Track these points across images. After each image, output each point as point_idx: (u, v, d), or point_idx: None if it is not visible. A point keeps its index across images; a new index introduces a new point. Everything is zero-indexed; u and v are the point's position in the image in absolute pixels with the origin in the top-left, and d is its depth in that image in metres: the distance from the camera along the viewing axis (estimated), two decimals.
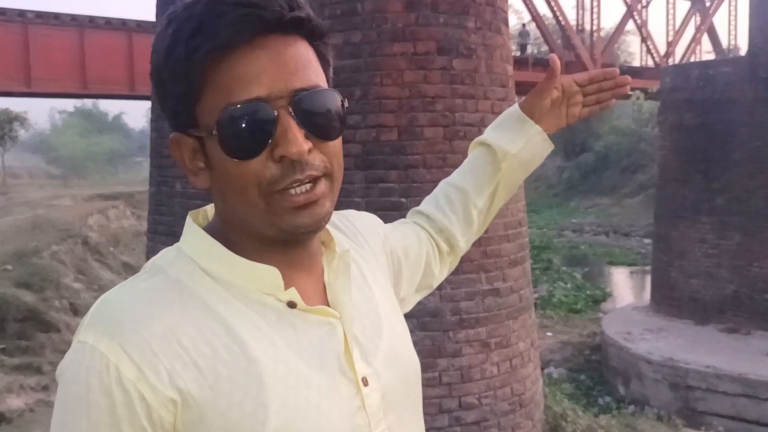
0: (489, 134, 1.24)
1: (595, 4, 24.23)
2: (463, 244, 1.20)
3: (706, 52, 31.19)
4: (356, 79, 4.70)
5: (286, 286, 0.79)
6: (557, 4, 21.07)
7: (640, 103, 26.11)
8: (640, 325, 11.34)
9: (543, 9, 22.20)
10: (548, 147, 1.23)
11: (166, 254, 0.84)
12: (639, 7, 26.74)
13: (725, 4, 30.39)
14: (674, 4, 29.09)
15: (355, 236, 0.98)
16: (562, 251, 21.66)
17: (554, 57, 1.21)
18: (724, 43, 31.17)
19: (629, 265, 19.76)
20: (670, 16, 28.91)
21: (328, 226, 0.86)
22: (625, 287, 17.61)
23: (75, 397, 0.72)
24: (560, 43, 23.12)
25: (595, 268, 19.46)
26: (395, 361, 0.88)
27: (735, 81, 11.17)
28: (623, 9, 25.04)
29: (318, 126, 0.77)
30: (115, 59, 14.48)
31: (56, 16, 14.21)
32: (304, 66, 0.77)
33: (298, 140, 0.74)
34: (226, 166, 0.76)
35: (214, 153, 0.77)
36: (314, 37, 0.79)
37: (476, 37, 4.81)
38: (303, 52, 0.77)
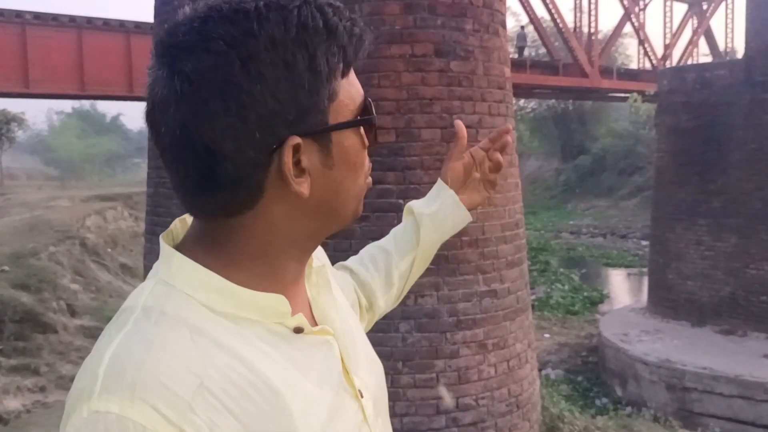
0: (414, 202, 1.29)
1: (592, 6, 24.28)
2: (382, 304, 1.21)
3: (703, 55, 31.26)
4: None
5: (290, 305, 0.77)
6: (555, 7, 21.11)
7: (637, 106, 26.14)
8: (637, 327, 11.36)
9: (541, 11, 22.24)
10: (462, 214, 1.25)
11: (153, 291, 0.75)
12: (636, 9, 26.81)
13: (722, 7, 30.48)
14: (671, 7, 29.18)
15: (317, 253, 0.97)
16: (560, 253, 21.67)
17: (459, 123, 1.21)
18: (721, 46, 31.25)
19: (626, 266, 19.79)
20: (668, 19, 28.99)
21: None
22: (622, 289, 17.63)
23: None
24: (558, 45, 23.17)
25: (592, 270, 19.48)
26: (371, 367, 0.91)
27: (732, 84, 11.20)
28: (621, 12, 25.11)
29: None
30: (113, 60, 14.47)
31: (54, 18, 14.20)
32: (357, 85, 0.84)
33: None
34: (355, 156, 0.80)
35: (346, 147, 0.78)
36: None
37: (474, 40, 4.83)
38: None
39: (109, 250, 14.58)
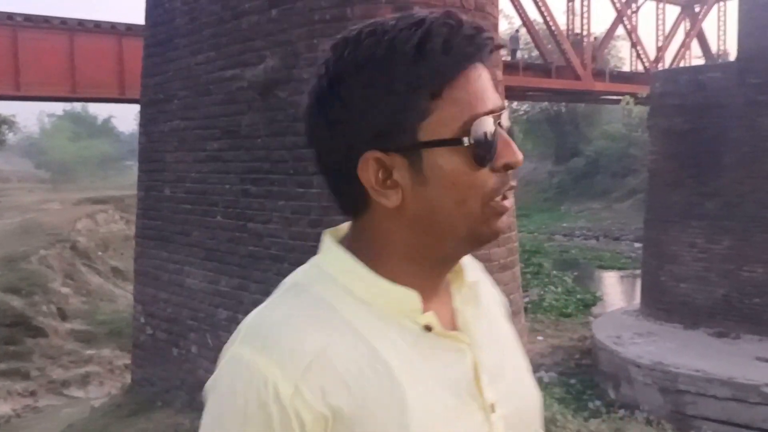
0: None
1: (585, 9, 24.34)
2: None
3: (695, 57, 31.35)
4: None
5: (424, 310, 0.82)
6: (548, 10, 21.15)
7: (630, 108, 26.20)
8: (630, 329, 11.36)
9: (534, 14, 22.27)
10: None
11: (307, 272, 0.86)
12: (629, 12, 26.88)
13: (714, 10, 30.60)
14: (664, 9, 29.27)
15: (482, 274, 0.99)
16: (553, 255, 21.69)
17: None
18: (714, 48, 31.37)
19: (619, 269, 19.82)
20: (660, 22, 29.08)
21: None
22: (616, 291, 17.66)
23: (231, 409, 0.76)
24: (550, 48, 23.21)
25: (586, 272, 19.50)
26: (518, 391, 0.90)
27: (725, 86, 11.23)
28: (613, 14, 25.17)
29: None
30: (105, 63, 14.40)
31: (46, 20, 14.13)
32: (495, 89, 0.83)
33: (517, 149, 0.81)
34: (455, 176, 0.79)
35: (440, 165, 0.79)
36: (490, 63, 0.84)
37: None
38: (491, 78, 0.83)
39: (101, 253, 14.50)
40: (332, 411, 0.74)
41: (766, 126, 10.69)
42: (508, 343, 0.94)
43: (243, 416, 0.75)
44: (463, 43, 0.78)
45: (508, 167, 0.80)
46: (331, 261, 0.85)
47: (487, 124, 0.79)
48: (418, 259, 0.83)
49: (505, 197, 0.81)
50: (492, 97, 0.80)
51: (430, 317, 0.81)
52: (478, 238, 0.83)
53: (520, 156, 0.81)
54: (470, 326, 0.86)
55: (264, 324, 0.80)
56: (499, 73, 5.13)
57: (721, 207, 11.19)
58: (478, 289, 0.90)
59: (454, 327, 0.85)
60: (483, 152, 0.79)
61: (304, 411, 0.74)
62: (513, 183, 0.82)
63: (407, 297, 0.81)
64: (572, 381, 10.54)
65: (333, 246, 0.86)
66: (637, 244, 19.16)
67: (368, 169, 0.79)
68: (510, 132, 0.82)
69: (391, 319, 0.80)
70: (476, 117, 0.78)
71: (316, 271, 0.85)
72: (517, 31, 25.34)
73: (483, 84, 0.80)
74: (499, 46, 0.85)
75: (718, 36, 31.67)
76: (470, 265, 0.95)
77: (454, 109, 0.78)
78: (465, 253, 0.87)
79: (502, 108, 0.81)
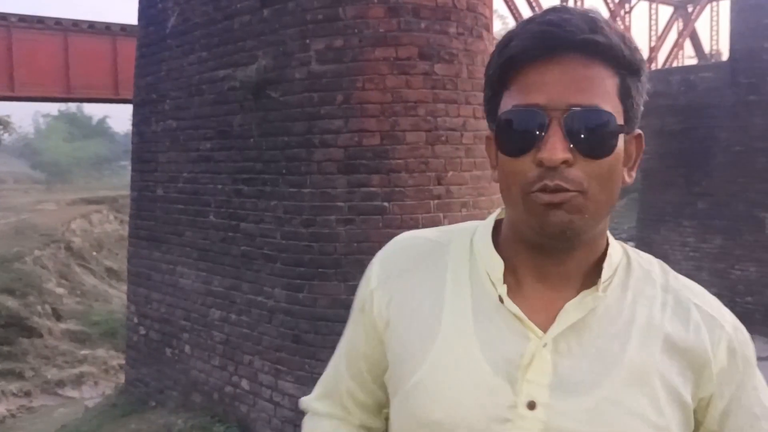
0: None
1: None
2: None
3: (688, 57, 31.41)
4: (338, 84, 4.71)
5: (524, 292, 0.86)
6: (541, 10, 21.20)
7: None
8: None
9: (527, 14, 22.31)
10: None
11: (467, 223, 0.99)
12: (622, 12, 26.96)
13: (707, 10, 30.70)
14: (657, 9, 29.32)
15: (669, 314, 0.87)
16: None
17: None
18: (707, 48, 31.46)
19: None
20: (653, 22, 29.15)
21: (627, 282, 0.87)
22: None
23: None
24: None
25: None
26: (593, 419, 0.80)
27: (716, 86, 11.28)
28: (606, 14, 25.24)
29: (583, 142, 0.79)
30: (100, 63, 14.36)
31: (40, 20, 14.08)
32: (590, 86, 0.80)
33: (555, 148, 0.78)
34: (502, 162, 0.85)
35: (497, 150, 0.85)
36: (621, 66, 0.82)
37: (458, 43, 4.84)
38: (596, 75, 0.80)
39: (95, 253, 14.49)
40: (388, 320, 0.92)
41: (757, 126, 10.74)
42: (631, 377, 0.82)
43: (356, 294, 0.99)
44: (528, 41, 0.80)
45: (540, 163, 0.79)
46: (483, 223, 0.95)
47: (512, 114, 0.81)
48: (514, 239, 0.88)
49: (545, 191, 0.79)
50: (549, 92, 0.79)
51: (502, 289, 0.85)
52: (531, 228, 0.82)
53: (549, 155, 0.78)
54: (563, 328, 0.83)
55: (398, 238, 1.00)
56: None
57: (713, 206, 11.24)
58: (590, 302, 0.84)
59: (550, 321, 0.84)
60: (503, 140, 0.83)
61: (375, 306, 0.94)
62: (548, 182, 0.79)
63: (495, 265, 0.87)
64: None
65: (493, 214, 0.96)
66: (630, 243, 19.16)
67: (486, 146, 0.91)
68: (577, 131, 0.79)
69: (480, 280, 0.89)
70: (513, 107, 0.81)
71: (471, 226, 0.97)
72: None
73: (544, 79, 0.80)
74: (589, 39, 0.79)
75: (711, 36, 31.76)
76: (646, 297, 0.87)
77: (508, 99, 0.83)
78: (541, 243, 0.84)
79: (557, 104, 0.79)
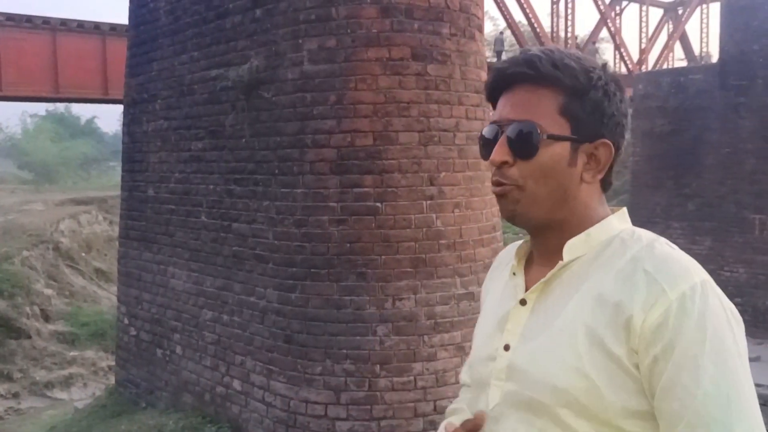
0: None
1: (569, 11, 24.49)
2: None
3: (678, 60, 31.62)
4: (331, 84, 4.71)
5: (531, 268, 1.12)
6: (532, 12, 21.26)
7: None
8: None
9: (519, 16, 22.39)
10: None
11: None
12: (612, 14, 27.08)
13: (697, 13, 30.89)
14: (647, 11, 29.48)
15: (622, 281, 0.99)
16: None
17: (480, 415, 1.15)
18: (696, 50, 31.66)
19: None
20: (643, 24, 29.29)
21: (599, 254, 1.05)
22: None
23: None
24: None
25: None
26: (533, 360, 1.03)
27: (706, 88, 11.35)
28: (597, 17, 25.34)
29: (516, 147, 1.04)
30: (89, 63, 14.27)
31: (28, 19, 13.98)
32: (527, 106, 1.05)
33: (497, 152, 1.05)
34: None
35: None
36: (562, 89, 1.04)
37: (450, 44, 4.84)
38: (535, 97, 1.05)
39: (84, 254, 14.39)
40: (484, 290, 1.27)
41: (745, 128, 10.82)
42: (562, 327, 1.01)
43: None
44: (491, 78, 1.10)
45: (491, 164, 1.07)
46: None
47: (484, 129, 1.10)
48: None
49: (494, 185, 1.08)
50: (501, 112, 1.08)
51: (515, 267, 1.13)
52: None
53: (492, 156, 1.06)
54: (534, 291, 1.08)
55: None
56: (484, 75, 5.17)
57: (702, 208, 11.31)
58: (550, 277, 1.06)
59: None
60: (480, 147, 1.12)
61: (482, 292, 1.27)
62: (494, 177, 1.07)
63: (514, 248, 1.16)
64: None
65: None
66: None
67: None
68: (512, 139, 1.04)
69: (511, 263, 1.16)
70: (487, 123, 1.11)
71: None
72: (501, 33, 25.43)
73: (502, 103, 1.08)
74: (519, 74, 1.06)
75: (701, 38, 31.97)
76: (612, 268, 1.02)
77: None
78: (523, 228, 1.11)
79: (502, 120, 1.06)
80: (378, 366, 4.69)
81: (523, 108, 1.04)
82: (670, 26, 30.13)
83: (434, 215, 4.73)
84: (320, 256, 4.76)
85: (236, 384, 5.31)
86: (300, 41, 4.77)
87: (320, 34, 4.72)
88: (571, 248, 1.04)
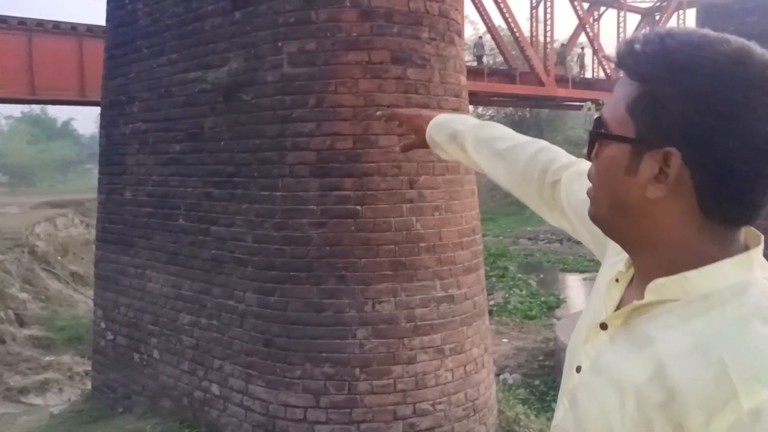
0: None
1: (548, 16, 24.70)
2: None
3: None
4: (311, 87, 4.70)
5: (634, 280, 0.94)
6: (512, 16, 21.40)
7: (592, 114, 26.64)
8: None
9: (498, 20, 22.52)
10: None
11: None
12: (591, 20, 27.36)
13: (674, 18, 31.31)
14: (625, 17, 29.83)
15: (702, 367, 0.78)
16: (518, 258, 21.89)
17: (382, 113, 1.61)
18: None
19: (582, 271, 20.09)
20: (621, 29, 29.62)
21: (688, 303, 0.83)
22: (578, 293, 17.88)
23: None
24: (515, 54, 23.48)
25: (550, 275, 19.73)
26: (580, 403, 0.94)
27: None
28: (576, 22, 25.58)
29: (589, 143, 0.93)
30: (65, 64, 14.13)
31: (3, 20, 13.80)
32: (611, 97, 0.90)
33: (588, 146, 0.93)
34: None
35: None
36: (636, 77, 0.85)
37: (430, 48, 4.86)
38: (618, 88, 0.89)
39: (60, 258, 14.23)
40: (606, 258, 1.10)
41: None
42: (622, 379, 0.86)
43: None
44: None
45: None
46: None
47: None
48: None
49: None
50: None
51: (619, 273, 0.96)
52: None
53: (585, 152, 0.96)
54: (619, 317, 0.91)
55: None
56: (463, 79, 5.19)
57: None
58: (645, 308, 0.87)
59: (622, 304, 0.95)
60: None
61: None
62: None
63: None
64: (536, 382, 10.66)
65: None
66: None
67: None
68: (592, 132, 0.92)
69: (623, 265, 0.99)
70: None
71: None
72: (480, 37, 25.56)
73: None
74: (618, 63, 0.88)
75: None
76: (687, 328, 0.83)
77: None
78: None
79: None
80: (358, 369, 4.69)
81: (609, 98, 0.90)
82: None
83: (414, 218, 4.74)
84: (300, 260, 4.75)
85: (215, 388, 5.28)
86: (280, 44, 4.76)
87: (300, 37, 4.71)
88: (658, 288, 0.85)
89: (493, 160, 1.42)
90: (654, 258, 0.87)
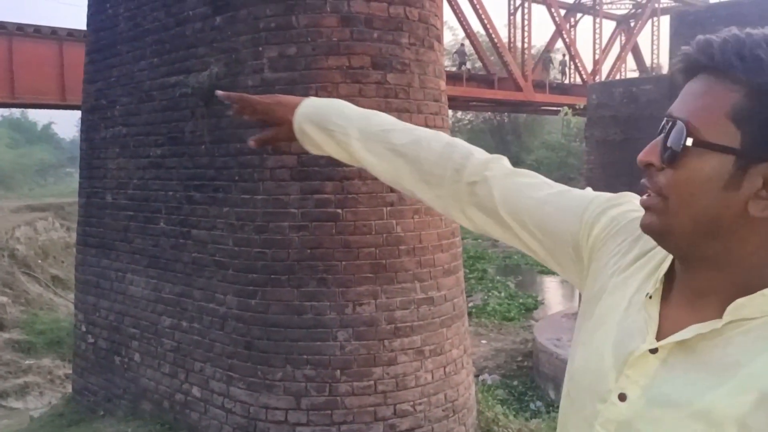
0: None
1: (525, 23, 24.93)
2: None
3: (630, 71, 32.42)
4: (291, 92, 4.73)
5: (671, 297, 0.87)
6: (490, 22, 21.58)
7: (569, 119, 26.92)
8: (570, 332, 11.49)
9: (477, 26, 22.69)
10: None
11: None
12: (567, 26, 27.66)
13: (648, 25, 31.73)
14: (601, 24, 30.18)
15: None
16: (496, 261, 22.03)
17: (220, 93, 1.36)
18: (648, 62, 32.51)
19: (559, 274, 20.33)
20: (597, 36, 29.96)
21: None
22: (556, 295, 18.04)
23: None
24: (493, 60, 23.66)
25: (528, 277, 19.89)
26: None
27: (656, 98, 11.69)
28: (553, 28, 25.84)
29: (665, 150, 0.82)
30: (45, 68, 14.03)
31: None
32: (693, 100, 0.82)
33: (645, 151, 0.84)
34: None
35: None
36: (738, 82, 0.78)
37: (410, 53, 4.94)
38: (702, 90, 0.81)
39: (40, 261, 14.11)
40: (594, 259, 1.00)
41: None
42: (704, 411, 0.78)
43: None
44: (678, 62, 0.86)
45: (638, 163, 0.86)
46: None
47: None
48: None
49: (642, 193, 0.87)
50: (673, 105, 0.84)
51: (654, 289, 0.88)
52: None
53: (639, 155, 0.85)
54: (670, 343, 0.83)
55: None
56: (442, 84, 5.27)
57: None
58: (697, 341, 0.81)
59: (676, 332, 0.85)
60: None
61: (599, 257, 0.99)
62: (643, 182, 0.86)
63: (663, 265, 0.89)
64: (514, 383, 10.76)
65: None
66: None
67: None
68: (666, 139, 0.82)
69: (649, 272, 0.91)
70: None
71: None
72: (462, 44, 25.73)
73: (680, 94, 0.85)
74: (702, 61, 0.82)
75: (652, 50, 32.85)
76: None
77: None
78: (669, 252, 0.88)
79: (669, 114, 0.84)
80: (338, 371, 4.73)
81: (688, 103, 0.82)
82: (623, 38, 30.89)
83: (394, 221, 4.80)
84: (281, 262, 4.79)
85: (195, 391, 5.30)
86: (260, 49, 4.81)
87: (281, 42, 4.76)
88: (738, 309, 0.79)
89: (389, 157, 1.21)
90: (728, 276, 0.81)
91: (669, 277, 0.88)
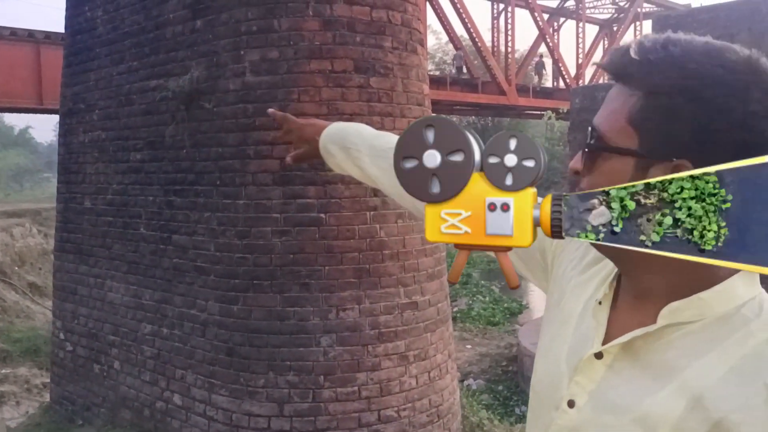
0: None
1: (509, 27, 25.05)
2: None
3: None
4: (273, 96, 4.71)
5: (618, 302, 0.89)
6: (473, 26, 21.66)
7: (552, 123, 27.06)
8: None
9: (460, 30, 22.75)
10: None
11: None
12: (551, 30, 27.83)
13: (631, 30, 32.02)
14: (584, 28, 30.40)
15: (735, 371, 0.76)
16: (481, 265, 22.07)
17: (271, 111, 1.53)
18: None
19: None
20: (580, 40, 30.18)
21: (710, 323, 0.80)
22: (540, 299, 18.11)
23: None
24: (477, 64, 23.75)
25: None
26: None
27: None
28: (536, 32, 25.98)
29: (583, 156, 0.85)
30: (22, 71, 13.87)
31: None
32: (604, 107, 0.85)
33: (575, 158, 0.87)
34: None
35: None
36: (637, 86, 0.80)
37: (393, 57, 4.91)
38: (612, 97, 0.84)
39: (17, 268, 13.90)
40: (559, 261, 1.05)
41: None
42: (643, 417, 0.79)
43: None
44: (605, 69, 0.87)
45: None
46: None
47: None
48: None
49: None
50: (597, 114, 0.86)
51: (603, 295, 0.90)
52: None
53: (570, 164, 0.87)
54: (613, 346, 0.85)
55: None
56: (426, 88, 5.25)
57: None
58: (637, 344, 0.83)
59: (622, 332, 0.85)
60: None
61: (562, 263, 1.05)
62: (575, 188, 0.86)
63: (612, 270, 0.92)
64: (499, 387, 10.75)
65: None
66: None
67: None
68: (586, 143, 0.85)
69: (603, 277, 0.94)
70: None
71: None
72: (458, 50, 25.80)
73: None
74: (608, 69, 0.84)
75: None
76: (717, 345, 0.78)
77: None
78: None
79: (590, 123, 0.86)
80: (322, 377, 4.69)
81: (602, 110, 0.84)
82: (606, 42, 31.15)
83: (377, 226, 4.77)
84: (263, 268, 4.74)
85: (176, 398, 5.22)
86: (242, 52, 4.76)
87: (262, 45, 4.72)
88: (674, 313, 0.80)
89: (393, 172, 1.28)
90: (665, 279, 0.82)
91: (619, 283, 0.90)
